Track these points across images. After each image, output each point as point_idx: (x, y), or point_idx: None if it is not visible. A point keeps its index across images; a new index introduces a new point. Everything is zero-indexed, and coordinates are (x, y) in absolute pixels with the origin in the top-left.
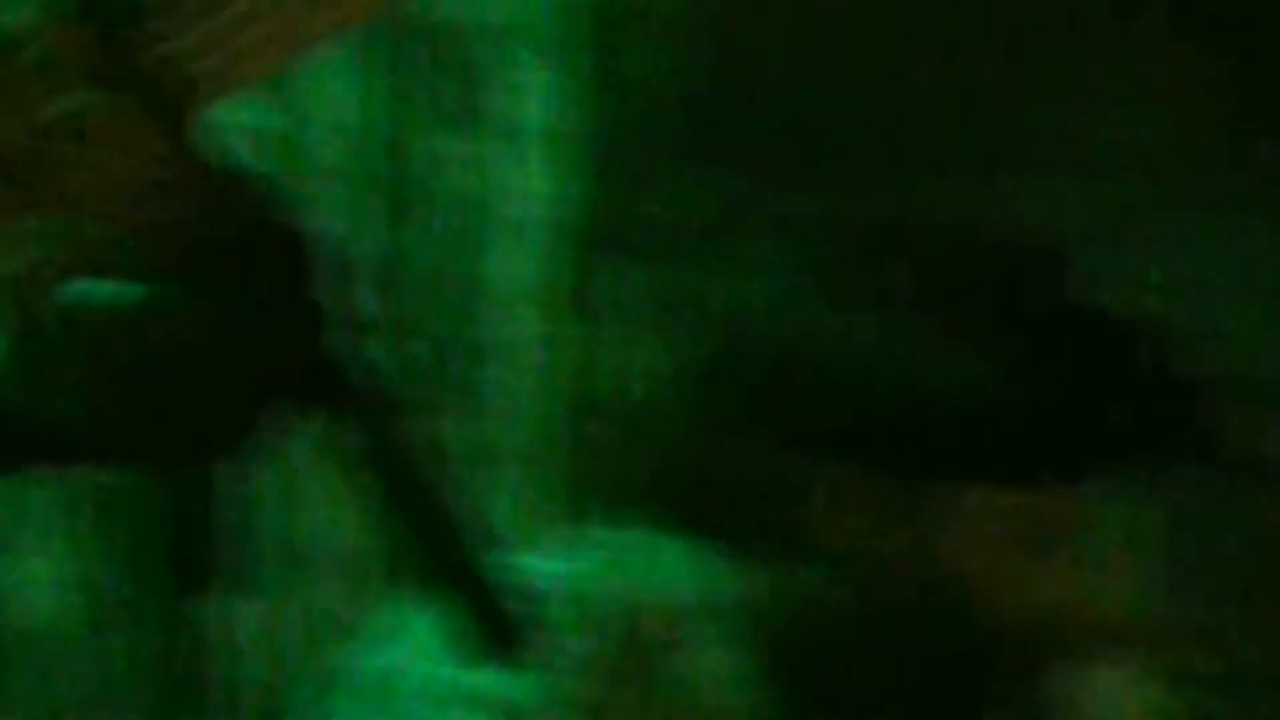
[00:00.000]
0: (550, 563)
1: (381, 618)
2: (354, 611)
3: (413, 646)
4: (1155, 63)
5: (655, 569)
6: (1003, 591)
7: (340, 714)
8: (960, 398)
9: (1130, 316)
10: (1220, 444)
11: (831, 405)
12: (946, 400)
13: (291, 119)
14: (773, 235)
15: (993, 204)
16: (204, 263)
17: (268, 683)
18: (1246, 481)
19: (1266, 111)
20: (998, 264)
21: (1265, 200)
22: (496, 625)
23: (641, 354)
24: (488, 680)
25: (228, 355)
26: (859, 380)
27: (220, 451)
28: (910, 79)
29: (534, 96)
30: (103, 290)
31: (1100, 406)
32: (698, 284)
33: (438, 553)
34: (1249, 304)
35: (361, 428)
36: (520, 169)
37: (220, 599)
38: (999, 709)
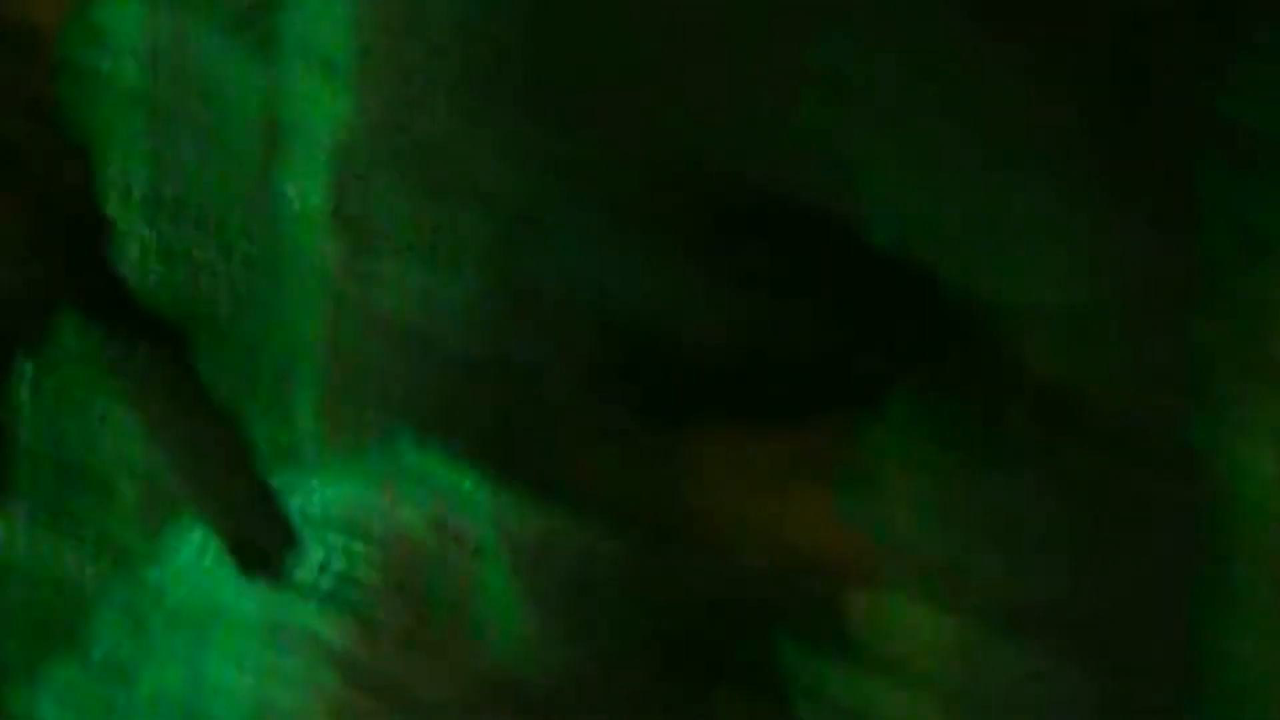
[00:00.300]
0: (326, 486)
1: (153, 536)
2: (125, 530)
3: (182, 565)
4: (943, 4)
5: (433, 495)
6: (773, 526)
7: (103, 634)
8: (738, 332)
9: (925, 246)
10: (1012, 376)
11: (602, 344)
12: (724, 337)
13: (85, 46)
14: (553, 171)
15: (777, 143)
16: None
17: (38, 603)
18: (1039, 414)
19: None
20: (775, 202)
21: (1070, 129)
22: (271, 546)
23: (427, 282)
24: (256, 600)
25: (4, 267)
26: (630, 318)
27: None
28: (689, 22)
29: (326, 21)
30: None
31: (887, 339)
32: (484, 215)
33: (213, 472)
34: (1047, 236)
35: (142, 345)
36: (311, 92)
37: None
38: (762, 643)
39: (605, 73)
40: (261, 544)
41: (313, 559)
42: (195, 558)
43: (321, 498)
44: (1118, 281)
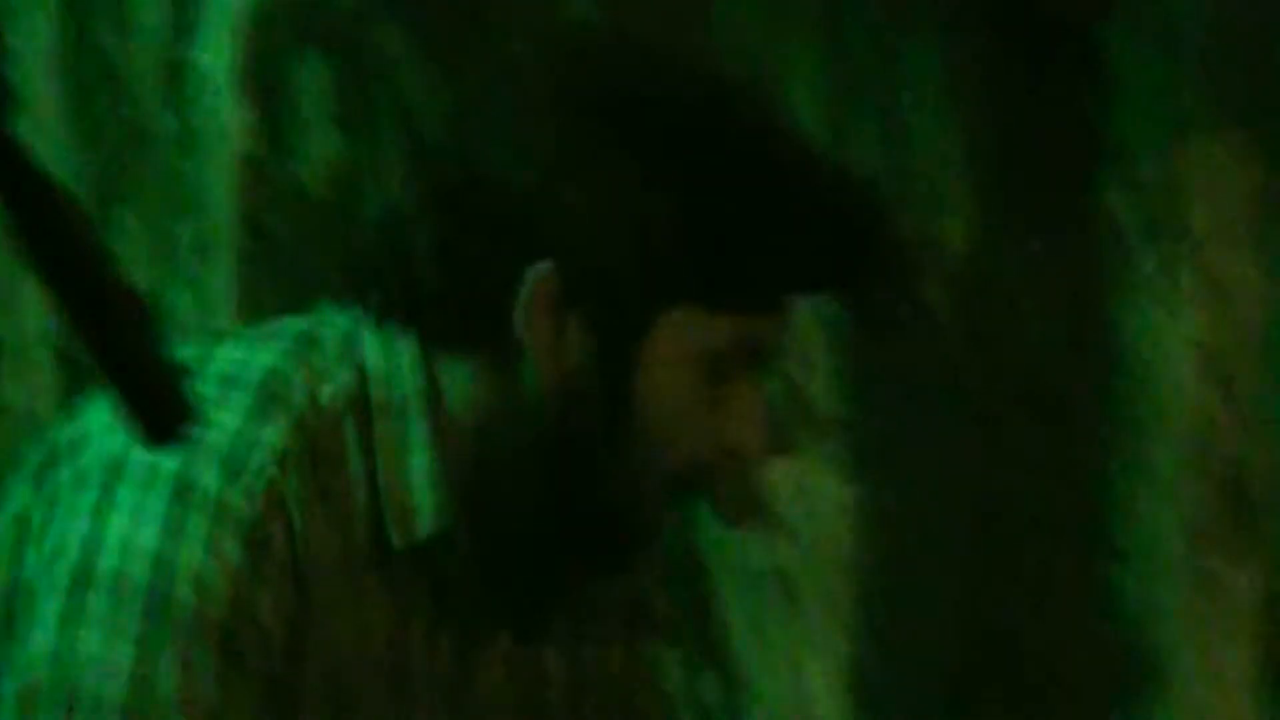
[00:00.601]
0: (238, 353)
1: (68, 404)
2: (30, 395)
3: (92, 430)
4: None
5: (349, 362)
6: (707, 415)
7: (12, 494)
8: (649, 230)
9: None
10: (928, 258)
11: (520, 216)
12: (640, 230)
13: None
14: (463, 51)
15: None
16: None
17: None
18: (954, 296)
19: None
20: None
21: (980, 77)
22: (179, 416)
23: (329, 146)
24: (164, 460)
25: None
26: (551, 192)
27: None
28: None
29: None
30: None
31: (798, 242)
32: (394, 85)
33: (122, 343)
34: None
35: (55, 222)
36: None
37: None
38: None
39: None
40: (170, 414)
41: (221, 424)
42: (106, 423)
43: (233, 364)
44: (1021, 167)
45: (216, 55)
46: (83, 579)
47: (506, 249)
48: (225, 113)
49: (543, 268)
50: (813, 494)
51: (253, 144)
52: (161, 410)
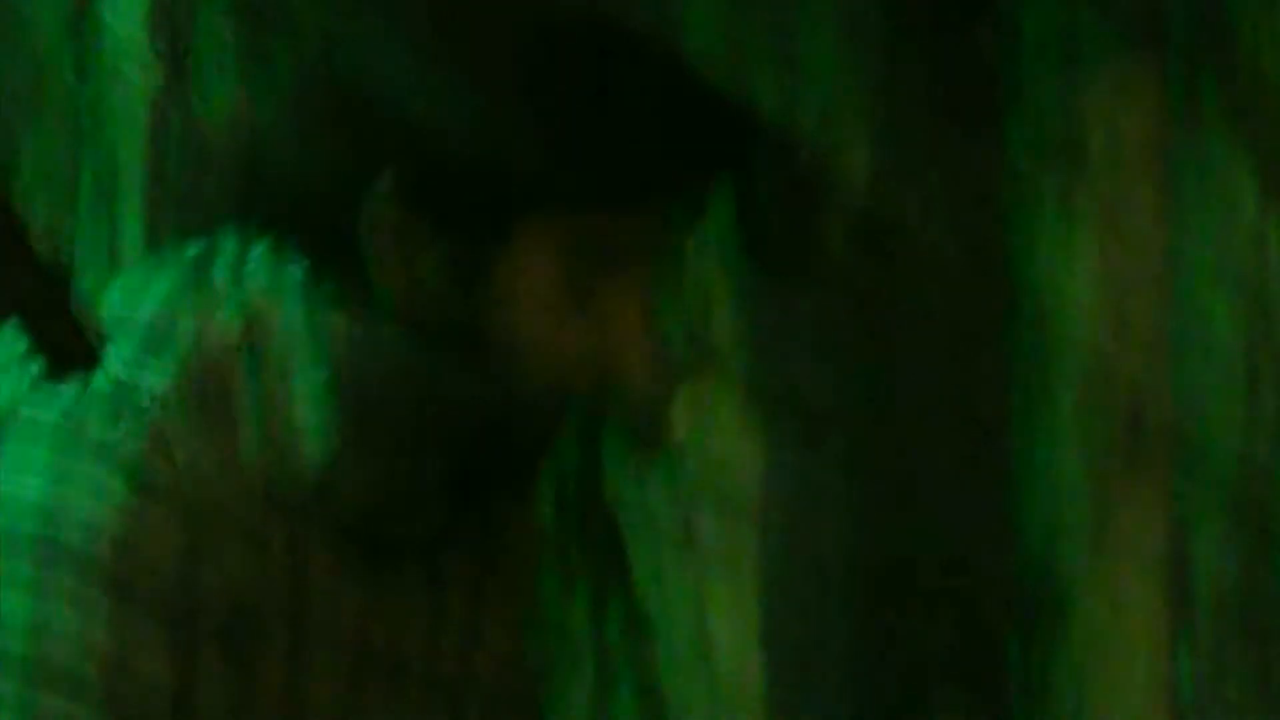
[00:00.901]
0: (134, 289)
1: None
2: None
3: None
4: None
5: (246, 297)
6: (584, 335)
7: None
8: (554, 140)
9: (739, 75)
10: (827, 198)
11: (418, 157)
12: (540, 143)
13: None
14: None
15: None
16: None
17: None
18: (852, 237)
19: None
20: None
21: (879, 12)
22: (73, 354)
23: (244, 102)
24: (53, 406)
25: None
26: (446, 132)
27: None
28: None
29: None
30: None
31: (702, 150)
32: (298, 38)
33: (18, 280)
34: (843, 68)
35: None
36: None
37: None
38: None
39: None
40: (63, 352)
41: (110, 365)
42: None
43: (123, 303)
44: (924, 110)
45: (126, 12)
46: None
47: (366, 161)
48: (133, 67)
49: (385, 178)
50: (714, 433)
51: (160, 98)
52: (58, 349)
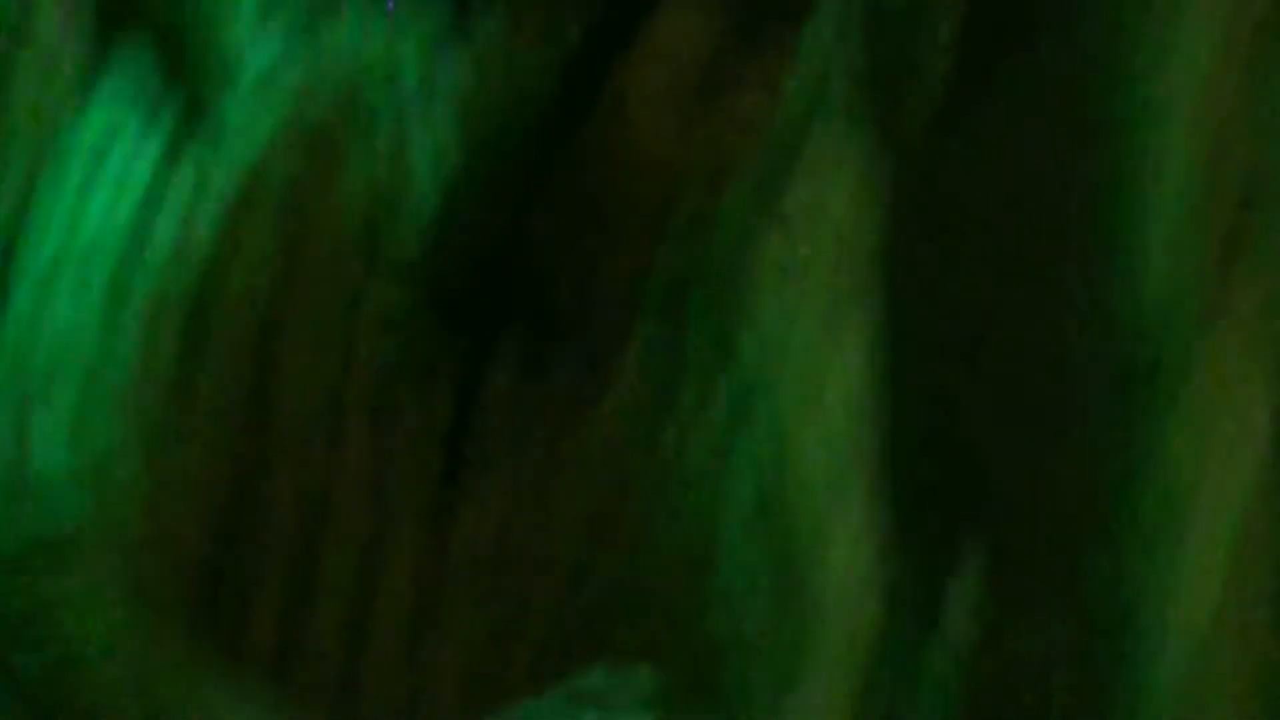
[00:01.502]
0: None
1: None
2: None
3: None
4: None
5: (347, 51)
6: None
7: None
8: None
9: None
10: None
11: None
12: None
13: None
14: None
15: None
16: None
17: None
18: None
19: None
20: None
21: None
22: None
23: None
24: (154, 139)
25: None
26: None
27: None
28: None
29: None
30: None
31: None
32: None
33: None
34: None
35: None
36: None
37: None
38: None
39: None
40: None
41: (226, 106)
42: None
43: (242, 42)
44: None
45: None
46: (61, 252)
47: None
48: None
49: None
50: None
51: None
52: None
